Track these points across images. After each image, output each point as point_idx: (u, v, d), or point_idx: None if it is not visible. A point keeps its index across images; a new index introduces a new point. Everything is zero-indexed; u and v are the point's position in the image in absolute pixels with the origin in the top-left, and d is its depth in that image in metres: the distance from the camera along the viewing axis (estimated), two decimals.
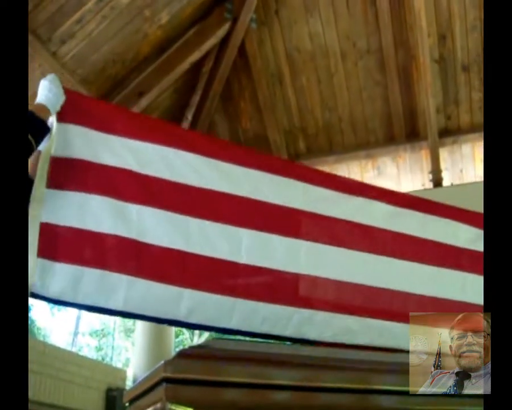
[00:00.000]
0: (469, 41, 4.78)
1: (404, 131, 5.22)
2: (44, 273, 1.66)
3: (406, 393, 1.44)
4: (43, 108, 1.63)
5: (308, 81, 5.21)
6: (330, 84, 5.18)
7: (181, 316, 1.83)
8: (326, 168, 5.50)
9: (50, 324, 14.98)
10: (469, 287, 2.14)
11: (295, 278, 1.94)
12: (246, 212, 1.92)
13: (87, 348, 14.94)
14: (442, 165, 5.11)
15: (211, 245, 1.83)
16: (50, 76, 1.72)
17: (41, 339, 12.36)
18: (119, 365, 13.69)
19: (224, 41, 4.96)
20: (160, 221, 1.79)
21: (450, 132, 5.12)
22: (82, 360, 5.86)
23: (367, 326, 1.97)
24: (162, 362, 1.38)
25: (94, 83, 4.53)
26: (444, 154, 5.13)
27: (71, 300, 1.74)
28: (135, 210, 1.77)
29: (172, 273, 1.78)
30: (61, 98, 1.70)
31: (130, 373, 6.34)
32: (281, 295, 1.90)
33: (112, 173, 1.78)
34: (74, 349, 13.40)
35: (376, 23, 4.85)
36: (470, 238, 2.22)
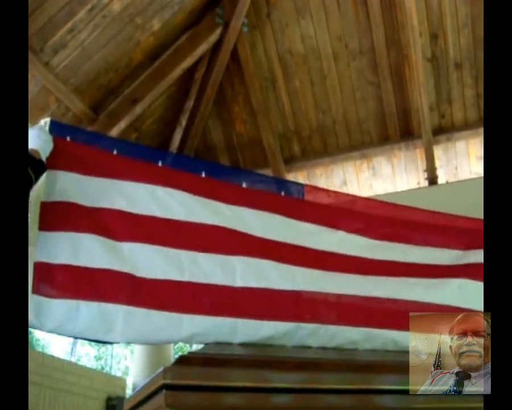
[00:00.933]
0: (460, 38, 4.80)
1: (398, 130, 5.23)
2: (39, 310, 1.68)
3: (407, 393, 1.44)
4: (36, 152, 1.71)
5: (301, 83, 5.22)
6: (323, 86, 5.19)
7: (182, 340, 1.87)
8: (321, 170, 5.52)
9: (49, 334, 14.91)
10: (463, 291, 2.14)
11: (294, 295, 1.95)
12: (236, 243, 1.97)
13: (86, 357, 14.89)
14: (437, 163, 5.12)
15: (205, 274, 1.86)
16: (39, 125, 1.81)
17: (40, 349, 12.31)
18: (119, 373, 13.64)
19: (217, 46, 4.96)
20: (152, 256, 1.83)
21: (444, 130, 5.13)
22: (81, 370, 5.83)
23: (370, 336, 1.97)
24: (161, 369, 1.38)
25: (87, 92, 4.52)
26: (438, 151, 5.14)
27: (68, 334, 1.77)
28: (127, 248, 1.82)
29: (168, 301, 1.80)
30: (50, 145, 1.79)
31: (130, 382, 6.32)
32: (282, 312, 1.90)
33: (102, 214, 1.83)
34: (73, 359, 13.34)
35: (368, 23, 4.86)
36: (451, 258, 2.26)
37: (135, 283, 1.79)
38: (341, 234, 2.18)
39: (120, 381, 6.32)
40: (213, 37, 4.89)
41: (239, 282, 1.87)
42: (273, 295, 1.91)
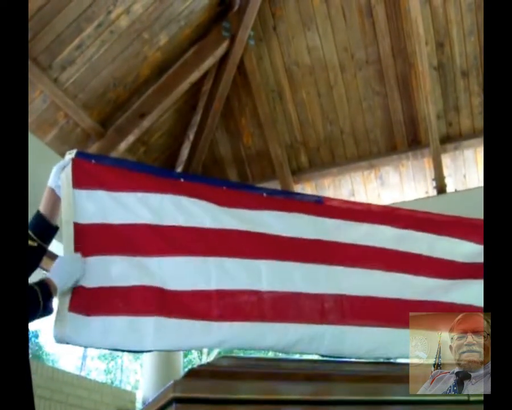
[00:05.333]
0: (466, 46, 4.80)
1: (405, 139, 5.22)
2: (75, 326, 1.73)
3: (419, 403, 1.43)
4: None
5: (308, 94, 5.23)
6: (330, 97, 5.21)
7: (213, 346, 1.96)
8: (329, 181, 5.52)
9: (59, 349, 14.95)
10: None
11: (320, 298, 1.97)
12: (261, 246, 2.00)
13: (96, 371, 14.90)
14: (445, 171, 5.10)
15: (231, 279, 1.90)
16: (59, 164, 1.84)
17: (50, 364, 12.32)
18: (128, 387, 13.62)
19: (223, 60, 5.00)
20: (179, 268, 1.89)
21: (451, 139, 5.11)
22: (91, 384, 5.83)
23: (400, 336, 1.95)
24: (171, 382, 1.37)
25: (95, 107, 4.57)
26: (446, 160, 5.13)
27: (101, 346, 1.84)
28: (156, 262, 1.87)
29: (196, 310, 1.85)
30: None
31: (139, 396, 6.30)
32: (309, 315, 1.92)
33: (131, 231, 1.88)
34: (83, 373, 13.35)
35: (374, 33, 4.88)
36: (472, 254, 2.25)
37: (165, 296, 1.84)
38: (366, 226, 2.19)
39: (130, 395, 6.32)
40: (220, 51, 4.94)
41: (265, 286, 1.91)
42: (299, 298, 1.94)
